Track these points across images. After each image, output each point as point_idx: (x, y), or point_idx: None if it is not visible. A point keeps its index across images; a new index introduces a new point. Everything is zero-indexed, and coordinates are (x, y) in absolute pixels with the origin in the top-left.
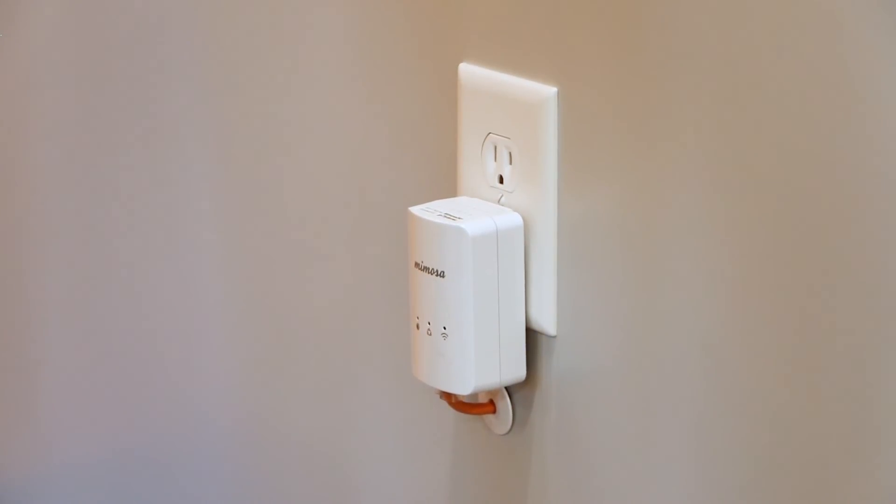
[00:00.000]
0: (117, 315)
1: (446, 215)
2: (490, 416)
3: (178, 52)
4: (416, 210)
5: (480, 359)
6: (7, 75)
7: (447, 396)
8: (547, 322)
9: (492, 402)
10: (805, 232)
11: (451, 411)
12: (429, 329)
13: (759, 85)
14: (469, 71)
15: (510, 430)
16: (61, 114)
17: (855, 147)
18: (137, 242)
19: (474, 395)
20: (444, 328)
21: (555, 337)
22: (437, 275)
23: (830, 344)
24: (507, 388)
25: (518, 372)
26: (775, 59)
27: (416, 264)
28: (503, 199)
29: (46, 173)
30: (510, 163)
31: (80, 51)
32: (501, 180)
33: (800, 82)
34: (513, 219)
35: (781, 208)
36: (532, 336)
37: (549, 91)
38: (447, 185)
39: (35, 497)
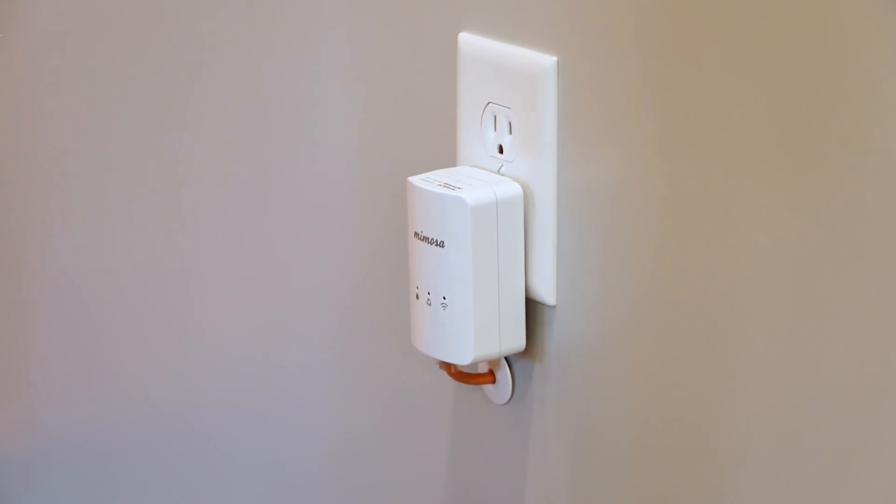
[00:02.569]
0: (112, 292)
1: (446, 185)
2: (490, 387)
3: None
4: (415, 180)
5: (480, 329)
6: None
7: (447, 367)
8: (546, 292)
9: (491, 373)
10: (806, 195)
11: (451, 381)
12: (428, 299)
13: (761, 55)
14: (469, 40)
15: (510, 400)
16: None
17: (861, 110)
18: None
19: (474, 365)
20: (444, 298)
21: (554, 307)
22: (436, 245)
23: (836, 309)
24: (506, 359)
25: (518, 342)
26: (776, 27)
27: (416, 234)
28: (503, 168)
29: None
30: (510, 132)
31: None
32: (501, 150)
33: (804, 48)
34: (512, 188)
35: (784, 175)
36: (532, 306)
37: (549, 60)
38: (447, 155)
39: (28, 469)
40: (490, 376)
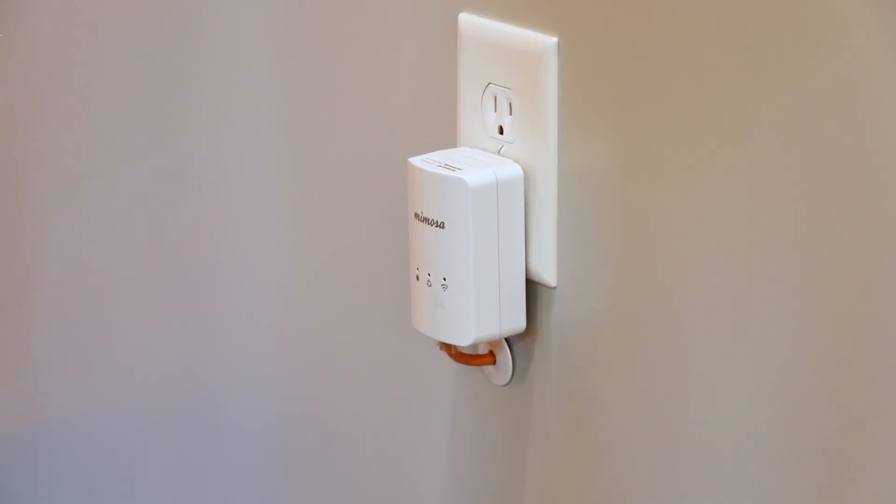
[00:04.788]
0: (113, 276)
1: (446, 166)
2: (490, 368)
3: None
4: (415, 161)
5: (480, 310)
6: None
7: (447, 348)
8: (547, 273)
9: (492, 354)
10: (808, 177)
11: (451, 363)
12: (429, 280)
13: (764, 38)
14: (469, 21)
15: (510, 381)
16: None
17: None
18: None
19: (474, 346)
20: (444, 279)
21: (555, 288)
22: (436, 226)
23: (840, 287)
24: (507, 340)
25: (518, 323)
26: (779, 12)
27: (416, 215)
28: (503, 149)
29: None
30: (510, 113)
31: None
32: (501, 131)
33: (807, 37)
34: (513, 169)
35: (784, 156)
36: (532, 287)
37: (550, 41)
38: (447, 136)
39: (29, 453)
40: (490, 357)
